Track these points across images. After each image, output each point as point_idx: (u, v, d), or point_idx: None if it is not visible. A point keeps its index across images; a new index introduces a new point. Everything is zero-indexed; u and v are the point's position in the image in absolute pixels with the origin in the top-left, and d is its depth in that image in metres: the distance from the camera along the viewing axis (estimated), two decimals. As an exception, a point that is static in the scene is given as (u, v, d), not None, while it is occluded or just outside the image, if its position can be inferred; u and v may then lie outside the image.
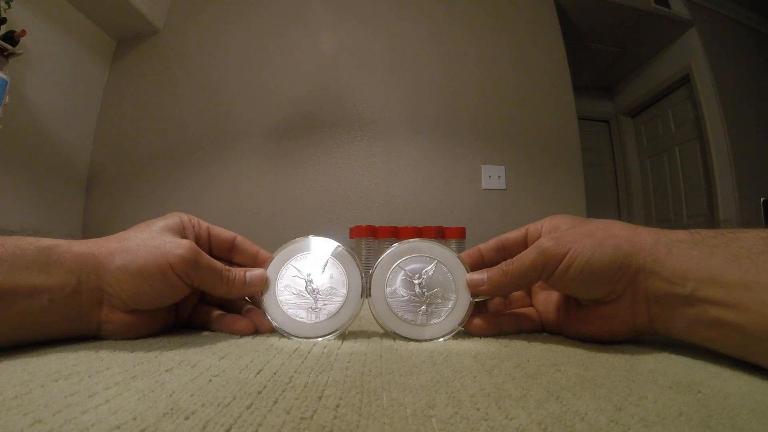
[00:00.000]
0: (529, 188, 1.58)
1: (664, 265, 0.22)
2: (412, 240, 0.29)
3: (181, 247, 0.25)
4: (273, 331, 0.27)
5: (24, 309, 0.21)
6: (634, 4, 2.02)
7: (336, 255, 0.28)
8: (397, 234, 0.93)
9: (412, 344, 0.25)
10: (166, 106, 1.70)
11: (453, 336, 0.27)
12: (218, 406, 0.14)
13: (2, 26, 1.19)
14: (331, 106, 1.62)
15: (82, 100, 1.64)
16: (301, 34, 1.69)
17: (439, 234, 0.92)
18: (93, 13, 1.59)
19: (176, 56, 1.75)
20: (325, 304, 0.27)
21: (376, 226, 0.93)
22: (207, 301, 0.31)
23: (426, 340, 0.26)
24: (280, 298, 0.27)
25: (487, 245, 0.30)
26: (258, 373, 0.18)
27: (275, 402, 0.14)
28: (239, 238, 0.31)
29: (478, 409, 0.14)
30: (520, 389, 0.16)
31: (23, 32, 1.21)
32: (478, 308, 0.30)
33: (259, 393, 0.15)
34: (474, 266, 0.29)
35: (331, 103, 1.63)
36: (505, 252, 0.29)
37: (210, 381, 0.17)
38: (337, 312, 0.27)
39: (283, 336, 0.26)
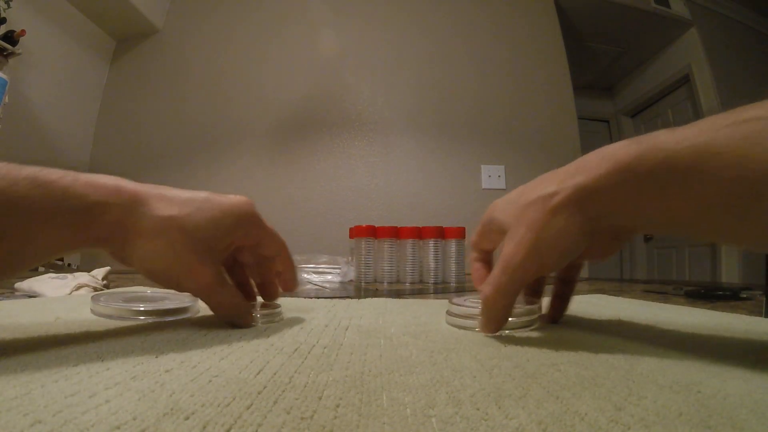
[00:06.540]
0: (529, 188, 1.59)
1: (616, 211, 0.22)
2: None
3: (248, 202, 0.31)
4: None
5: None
6: (634, 4, 2.02)
7: None
8: (397, 234, 0.92)
9: (411, 344, 0.25)
10: (165, 106, 1.70)
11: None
12: (218, 406, 0.14)
13: (2, 26, 1.19)
14: (330, 106, 1.62)
15: (82, 100, 1.64)
16: (301, 35, 1.69)
17: (439, 234, 0.92)
18: (93, 13, 1.59)
19: (176, 56, 1.75)
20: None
21: (376, 226, 0.93)
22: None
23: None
24: None
25: (479, 265, 0.33)
26: (258, 374, 0.18)
27: (275, 402, 0.14)
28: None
29: (478, 409, 0.14)
30: (519, 389, 0.16)
31: (23, 32, 1.21)
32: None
33: (259, 393, 0.15)
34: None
35: (330, 103, 1.63)
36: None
37: (210, 381, 0.17)
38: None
39: None
